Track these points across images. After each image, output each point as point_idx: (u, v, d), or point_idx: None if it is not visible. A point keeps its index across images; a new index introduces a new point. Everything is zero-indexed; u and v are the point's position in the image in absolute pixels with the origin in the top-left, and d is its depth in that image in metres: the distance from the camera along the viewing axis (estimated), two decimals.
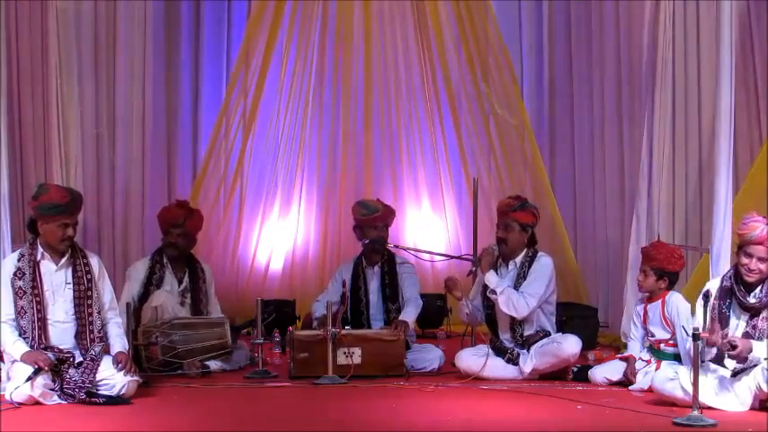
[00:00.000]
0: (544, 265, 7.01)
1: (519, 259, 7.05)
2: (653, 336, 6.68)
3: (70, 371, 6.01)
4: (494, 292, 6.93)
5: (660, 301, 6.67)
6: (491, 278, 6.98)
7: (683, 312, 6.50)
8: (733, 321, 5.94)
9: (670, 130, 8.12)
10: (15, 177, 8.10)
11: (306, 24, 9.82)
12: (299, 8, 9.80)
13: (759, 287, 5.92)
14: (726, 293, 5.98)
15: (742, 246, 5.94)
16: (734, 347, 5.67)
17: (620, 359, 6.79)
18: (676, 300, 6.59)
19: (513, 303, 6.88)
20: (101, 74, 9.28)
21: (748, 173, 7.61)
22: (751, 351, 5.73)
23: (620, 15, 8.81)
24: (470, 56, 9.79)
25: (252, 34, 9.70)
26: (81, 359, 6.12)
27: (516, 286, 6.95)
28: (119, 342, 6.29)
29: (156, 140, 9.70)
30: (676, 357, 6.54)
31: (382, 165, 10.05)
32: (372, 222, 7.53)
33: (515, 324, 7.00)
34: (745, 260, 5.91)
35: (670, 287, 6.71)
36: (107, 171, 9.39)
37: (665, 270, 6.65)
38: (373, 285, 7.60)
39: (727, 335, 5.81)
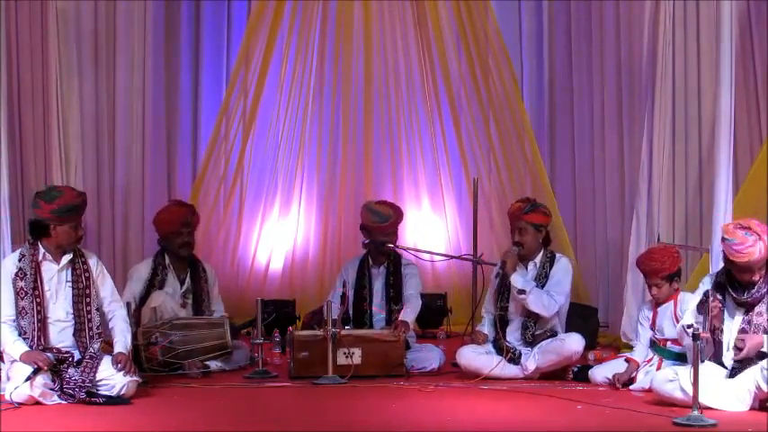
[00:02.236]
0: (565, 264, 7.10)
1: (538, 260, 7.09)
2: (661, 334, 6.66)
3: (70, 370, 6.01)
4: (521, 291, 6.95)
5: (672, 301, 6.64)
6: (518, 278, 7.00)
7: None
8: (727, 320, 5.94)
9: (670, 130, 8.12)
10: (15, 178, 8.10)
11: (306, 24, 9.82)
12: (299, 8, 9.80)
13: (755, 286, 5.92)
14: (719, 288, 5.98)
15: (739, 265, 5.90)
16: (740, 349, 5.68)
17: (626, 360, 6.73)
18: (690, 300, 6.53)
19: (542, 302, 6.91)
20: (101, 74, 9.27)
21: (748, 173, 7.61)
22: (761, 346, 5.73)
23: (621, 15, 8.81)
24: (470, 56, 9.79)
25: (252, 34, 9.70)
26: (80, 357, 6.12)
27: (538, 286, 6.98)
28: (121, 341, 6.28)
29: (156, 140, 9.69)
30: (681, 356, 6.52)
31: (382, 165, 10.05)
32: (383, 230, 7.54)
33: (529, 323, 7.01)
34: (746, 277, 5.90)
35: (679, 283, 6.72)
36: (107, 171, 9.39)
37: (672, 273, 6.64)
38: (378, 285, 7.59)
39: (722, 330, 5.84)
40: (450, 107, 9.91)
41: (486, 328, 7.21)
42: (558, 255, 7.15)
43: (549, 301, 6.93)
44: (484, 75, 9.79)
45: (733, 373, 5.89)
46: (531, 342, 6.99)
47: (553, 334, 7.00)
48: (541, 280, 7.02)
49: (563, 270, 7.06)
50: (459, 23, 9.81)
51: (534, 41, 10.10)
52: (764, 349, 5.77)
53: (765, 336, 5.80)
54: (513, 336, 7.07)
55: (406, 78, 10.01)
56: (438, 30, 9.83)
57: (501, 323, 7.12)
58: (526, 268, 7.10)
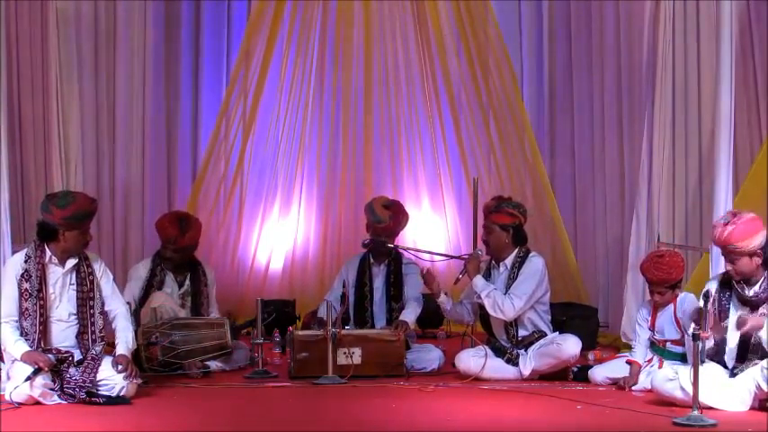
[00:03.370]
0: (534, 264, 7.01)
1: (509, 260, 7.05)
2: (661, 335, 6.65)
3: (70, 370, 6.01)
4: (480, 296, 6.94)
5: (672, 303, 6.64)
6: (477, 282, 6.99)
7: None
8: (732, 315, 5.94)
9: (670, 130, 8.12)
10: (15, 177, 8.10)
11: (306, 24, 9.82)
12: (299, 8, 9.80)
13: (758, 283, 5.92)
14: (726, 285, 5.99)
15: (722, 248, 6.00)
16: (743, 323, 5.68)
17: (627, 362, 6.71)
18: (692, 301, 6.51)
19: (498, 306, 6.88)
20: (101, 74, 9.28)
21: (748, 173, 7.61)
22: (761, 328, 5.73)
23: (621, 15, 8.81)
24: (470, 56, 9.79)
25: (252, 34, 9.70)
26: (80, 357, 6.13)
27: (508, 287, 6.96)
28: (123, 342, 6.28)
29: (156, 140, 9.70)
30: (681, 357, 6.52)
31: (382, 165, 10.04)
32: (377, 231, 7.54)
33: (509, 325, 7.00)
34: (737, 265, 5.94)
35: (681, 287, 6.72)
36: (107, 171, 9.39)
37: (677, 280, 6.64)
38: (378, 283, 7.59)
39: (727, 328, 5.83)
40: (450, 107, 9.90)
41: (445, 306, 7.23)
42: (531, 254, 7.07)
43: (506, 304, 6.87)
44: (484, 75, 9.78)
45: (734, 372, 5.89)
46: (518, 343, 6.98)
47: (541, 334, 6.99)
48: (510, 281, 6.98)
49: (529, 271, 6.97)
50: (459, 23, 9.80)
51: (534, 41, 10.09)
52: (764, 333, 5.76)
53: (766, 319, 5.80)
54: (501, 337, 7.07)
55: (406, 78, 10.00)
56: (438, 30, 9.82)
57: (484, 322, 7.13)
58: (498, 269, 7.09)
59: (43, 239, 6.18)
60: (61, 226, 6.13)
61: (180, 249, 7.46)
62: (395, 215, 7.57)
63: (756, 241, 5.86)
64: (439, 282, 7.24)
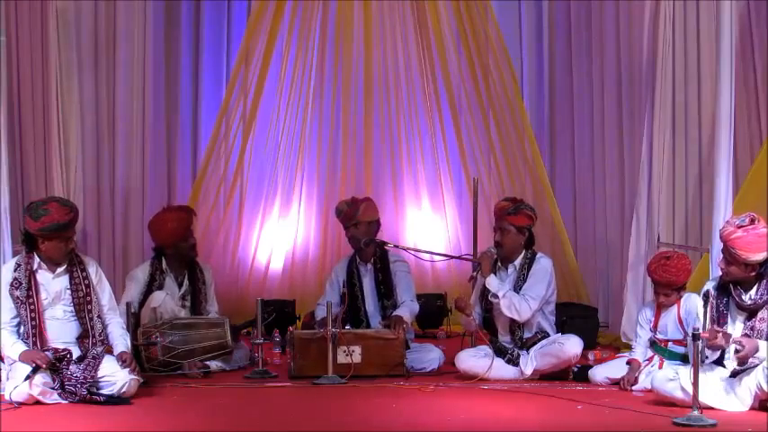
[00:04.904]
0: (544, 266, 7.03)
1: (518, 262, 7.06)
2: (664, 335, 6.64)
3: (71, 367, 6.02)
4: (495, 295, 6.94)
5: (676, 303, 6.63)
6: (492, 282, 6.99)
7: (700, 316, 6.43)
8: (730, 321, 5.94)
9: (670, 130, 8.13)
10: (15, 178, 8.10)
11: (306, 24, 9.81)
12: (299, 8, 9.79)
13: (755, 288, 5.92)
14: (723, 291, 5.99)
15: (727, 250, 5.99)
16: (739, 350, 5.67)
17: (628, 362, 6.71)
18: (695, 301, 6.51)
19: (515, 307, 6.89)
20: (101, 74, 9.28)
21: (748, 173, 7.61)
22: (757, 351, 5.73)
23: (620, 15, 8.80)
24: (470, 56, 9.78)
25: (252, 34, 9.69)
26: (80, 354, 6.14)
27: (516, 289, 6.96)
28: (122, 342, 6.31)
29: (156, 140, 9.69)
30: (682, 357, 6.52)
31: (382, 165, 10.04)
32: (342, 224, 7.57)
33: (515, 326, 7.01)
34: (735, 270, 5.95)
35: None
36: (107, 171, 9.39)
37: (684, 282, 6.63)
38: (368, 282, 7.60)
39: (728, 335, 5.82)
40: (450, 107, 9.90)
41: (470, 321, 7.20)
42: (538, 255, 7.10)
43: (522, 305, 6.90)
44: (484, 75, 9.78)
45: (734, 373, 5.89)
46: (523, 344, 6.98)
47: (544, 335, 7.00)
48: (520, 283, 6.99)
49: (540, 273, 7.00)
50: (459, 23, 9.80)
51: (534, 41, 10.10)
52: (761, 354, 5.76)
53: (763, 342, 5.79)
54: (503, 338, 7.07)
55: (406, 78, 9.99)
56: (438, 30, 9.82)
57: (488, 322, 7.13)
58: (507, 270, 7.09)
59: (29, 247, 6.20)
60: (38, 236, 6.15)
61: (191, 237, 7.49)
62: (352, 203, 7.59)
63: (757, 257, 5.86)
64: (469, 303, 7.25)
